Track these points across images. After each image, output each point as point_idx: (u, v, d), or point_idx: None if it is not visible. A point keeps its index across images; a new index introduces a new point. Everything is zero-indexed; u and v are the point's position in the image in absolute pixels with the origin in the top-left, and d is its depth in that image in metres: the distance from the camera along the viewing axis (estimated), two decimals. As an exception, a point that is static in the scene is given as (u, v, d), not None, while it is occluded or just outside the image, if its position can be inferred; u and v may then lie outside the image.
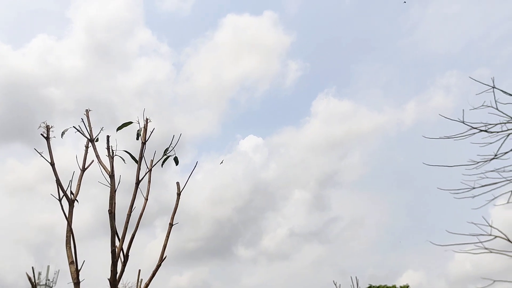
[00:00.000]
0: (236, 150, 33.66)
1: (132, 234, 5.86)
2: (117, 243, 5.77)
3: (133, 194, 6.05)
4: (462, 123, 8.74)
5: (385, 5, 39.76)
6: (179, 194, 6.26)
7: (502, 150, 8.91)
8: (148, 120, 6.28)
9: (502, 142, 8.73)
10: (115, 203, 5.97)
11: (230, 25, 38.55)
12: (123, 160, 6.45)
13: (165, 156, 6.39)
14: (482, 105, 8.77)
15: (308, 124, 35.98)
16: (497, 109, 8.55)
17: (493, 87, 8.40)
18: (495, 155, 8.71)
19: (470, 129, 8.64)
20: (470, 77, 9.03)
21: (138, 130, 6.29)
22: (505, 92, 8.13)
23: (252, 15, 39.47)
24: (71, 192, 6.08)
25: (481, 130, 8.51)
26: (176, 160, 6.51)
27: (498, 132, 8.49)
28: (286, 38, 38.70)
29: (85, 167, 6.30)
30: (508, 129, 8.60)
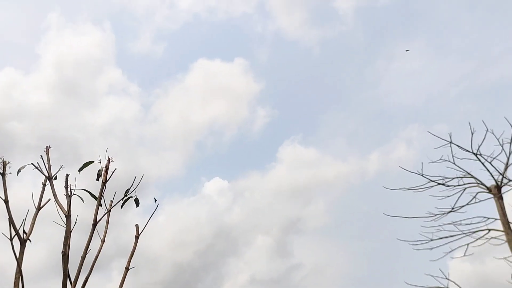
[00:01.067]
0: (201, 192, 33.24)
1: (86, 278, 5.63)
2: (69, 287, 5.52)
3: (89, 236, 5.86)
4: (421, 176, 9.02)
5: (352, 58, 41.35)
6: (137, 237, 6.11)
7: (459, 204, 9.19)
8: (110, 160, 6.19)
9: (459, 195, 9.02)
10: (69, 244, 5.75)
11: (201, 70, 38.98)
12: (82, 200, 6.28)
13: (125, 197, 6.27)
14: (440, 159, 9.09)
15: (273, 169, 36.11)
16: (454, 163, 8.88)
17: (450, 142, 8.76)
18: (452, 209, 8.96)
19: (429, 182, 8.92)
20: (429, 132, 9.41)
21: (99, 170, 6.17)
22: (461, 148, 8.49)
23: (223, 61, 40.10)
24: (24, 231, 5.83)
25: (439, 183, 8.78)
26: (136, 202, 6.38)
27: (455, 186, 8.79)
28: (255, 85, 39.40)
29: (41, 205, 6.08)
30: (465, 183, 8.91)
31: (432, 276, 8.37)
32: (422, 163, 9.06)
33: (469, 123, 8.34)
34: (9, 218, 5.76)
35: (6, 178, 6.02)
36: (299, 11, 42.16)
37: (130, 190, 6.40)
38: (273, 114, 39.07)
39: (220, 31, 42.90)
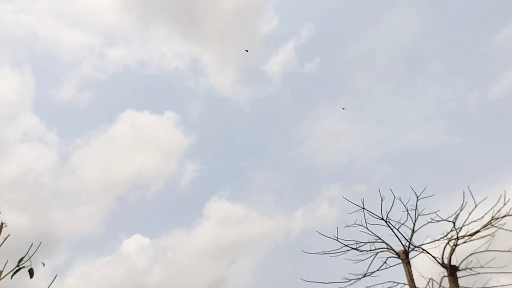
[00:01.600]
0: (119, 251, 31.40)
1: None
2: None
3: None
4: (337, 241, 9.17)
5: (280, 117, 42.75)
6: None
7: (372, 268, 9.39)
8: (4, 225, 5.67)
9: (371, 260, 9.23)
10: None
11: (129, 121, 38.10)
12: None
13: (17, 267, 5.71)
14: (354, 224, 9.34)
15: (199, 226, 35.24)
16: (367, 228, 9.14)
17: (363, 208, 9.05)
18: (365, 274, 9.12)
19: (343, 246, 9.08)
20: (343, 197, 9.70)
21: (-12, 236, 5.61)
22: (372, 214, 8.81)
23: (153, 113, 39.68)
24: None
25: (352, 248, 8.97)
26: (31, 273, 5.79)
27: (367, 250, 9.00)
28: (185, 139, 39.12)
29: None
30: (376, 248, 9.16)
31: None
32: (337, 227, 9.24)
33: (379, 190, 8.72)
34: None
35: None
36: (232, 71, 43.40)
37: (25, 259, 5.85)
38: (202, 169, 38.80)
39: (151, 84, 42.84)
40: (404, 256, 8.43)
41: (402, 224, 8.68)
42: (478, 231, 8.61)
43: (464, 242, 8.70)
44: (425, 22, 43.52)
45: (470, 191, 8.62)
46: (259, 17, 43.38)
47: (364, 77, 43.60)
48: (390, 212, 8.73)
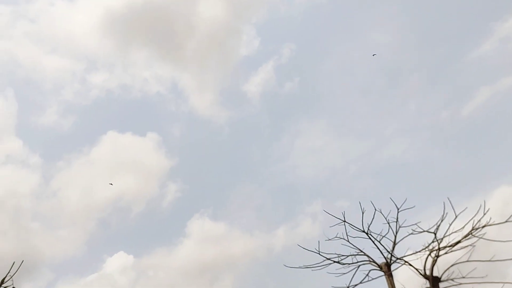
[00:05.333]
0: (102, 270, 30.94)
1: None
2: None
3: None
4: (318, 254, 9.23)
5: (261, 134, 42.97)
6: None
7: (354, 281, 9.46)
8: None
9: (353, 273, 9.30)
10: None
11: (110, 143, 37.87)
12: None
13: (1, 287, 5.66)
14: (336, 237, 9.42)
15: (181, 245, 34.97)
16: (348, 241, 9.23)
17: (344, 221, 9.15)
18: (348, 287, 9.19)
19: (325, 259, 9.14)
20: (324, 210, 9.80)
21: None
22: (353, 226, 8.90)
23: (135, 134, 39.54)
24: None
25: (334, 261, 9.03)
26: (12, 292, 5.79)
27: (349, 263, 9.08)
28: (167, 160, 38.99)
29: None
30: (358, 261, 9.24)
31: None
32: (319, 241, 9.31)
33: (360, 202, 8.84)
34: None
35: None
36: (211, 92, 43.68)
37: (7, 279, 5.82)
38: (184, 189, 38.65)
39: (133, 107, 42.80)
40: (386, 268, 8.52)
41: (384, 236, 8.79)
42: (459, 242, 8.74)
43: (446, 253, 8.83)
44: (403, 36, 44.45)
45: (450, 202, 8.78)
46: (239, 39, 43.94)
47: (344, 91, 44.22)
48: (371, 225, 8.85)
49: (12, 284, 5.94)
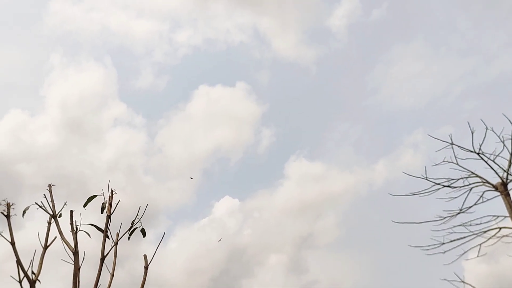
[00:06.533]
0: (211, 215, 33.09)
1: (98, 314, 5.58)
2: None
3: (98, 271, 5.82)
4: (426, 180, 8.97)
5: (351, 69, 41.64)
6: (146, 268, 6.06)
7: (466, 205, 9.12)
8: (114, 192, 6.18)
9: (465, 196, 8.96)
10: (79, 281, 5.71)
11: (203, 96, 39.16)
12: (88, 235, 6.26)
13: (131, 229, 6.24)
14: (443, 161, 9.06)
15: (281, 187, 35.98)
16: (457, 164, 8.84)
17: (451, 144, 8.74)
18: (461, 210, 8.88)
19: (434, 185, 8.87)
20: (429, 135, 9.40)
21: (102, 203, 6.16)
22: (462, 148, 8.48)
23: (225, 86, 40.40)
24: (33, 272, 5.80)
25: (444, 186, 8.73)
26: (143, 232, 6.35)
27: (460, 187, 8.73)
28: (258, 107, 39.60)
29: (48, 244, 6.06)
30: (470, 183, 8.85)
31: (448, 280, 8.26)
32: (425, 167, 9.02)
33: (468, 122, 8.34)
34: (16, 260, 5.73)
35: (12, 220, 6.02)
36: (293, 33, 42.74)
37: (136, 221, 6.38)
38: (278, 133, 39.20)
39: (219, 60, 43.42)
40: (503, 188, 8.08)
41: (497, 155, 8.29)
42: None
43: None
44: None
45: None
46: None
47: (440, 6, 40.69)
48: (482, 145, 8.36)
49: (141, 225, 6.49)
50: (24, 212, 6.09)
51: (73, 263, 5.84)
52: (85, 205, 6.37)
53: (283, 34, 42.82)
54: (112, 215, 6.22)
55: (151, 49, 42.62)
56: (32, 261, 5.83)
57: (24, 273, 5.70)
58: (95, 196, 6.25)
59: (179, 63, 41.44)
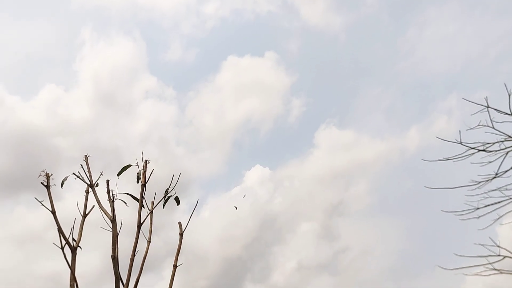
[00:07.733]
0: (243, 183, 33.52)
1: (136, 279, 5.80)
2: (122, 289, 5.70)
3: (135, 237, 6.02)
4: (460, 144, 8.77)
5: (382, 33, 40.41)
6: (181, 234, 6.23)
7: (502, 169, 8.88)
8: (147, 162, 6.32)
9: (501, 160, 8.72)
10: (117, 247, 5.93)
11: (231, 67, 39.05)
12: (125, 203, 6.45)
13: (166, 197, 6.39)
14: (478, 125, 8.80)
15: (311, 155, 35.89)
16: (493, 127, 8.57)
17: (487, 107, 8.46)
18: (496, 174, 8.68)
19: (468, 149, 8.65)
20: (463, 98, 9.15)
21: (137, 173, 6.31)
22: (498, 111, 8.20)
23: (253, 56, 40.04)
24: (73, 239, 6.04)
25: (479, 150, 8.51)
26: (177, 200, 6.50)
27: (496, 150, 8.49)
28: (288, 77, 39.23)
29: (86, 213, 6.29)
30: (507, 147, 8.60)
31: (482, 245, 8.16)
32: (460, 131, 8.79)
33: (505, 84, 8.03)
34: (58, 228, 5.97)
35: (51, 190, 6.25)
36: (321, 1, 41.74)
37: (170, 189, 6.51)
38: (308, 103, 38.81)
39: (247, 30, 42.90)
40: (541, 152, 7.84)
41: (536, 118, 7.99)
42: None
43: None
44: None
45: None
46: None
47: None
48: (520, 107, 8.06)
49: (175, 193, 6.63)
50: (62, 182, 6.31)
51: (111, 230, 6.05)
52: (119, 174, 6.53)
53: (311, 2, 41.98)
54: (146, 185, 6.38)
55: (178, 22, 42.64)
56: (72, 229, 6.08)
57: (65, 240, 5.95)
58: (129, 165, 6.40)
59: (207, 35, 41.37)
